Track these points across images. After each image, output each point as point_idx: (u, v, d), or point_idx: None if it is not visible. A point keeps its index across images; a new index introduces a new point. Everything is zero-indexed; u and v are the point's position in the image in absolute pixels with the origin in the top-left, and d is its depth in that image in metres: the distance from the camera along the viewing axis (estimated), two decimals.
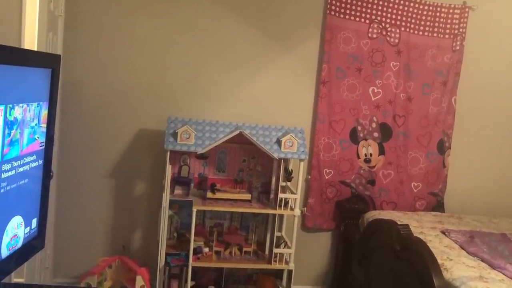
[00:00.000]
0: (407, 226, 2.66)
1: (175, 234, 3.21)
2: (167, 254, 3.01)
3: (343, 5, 3.33)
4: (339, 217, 3.49)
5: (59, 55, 1.97)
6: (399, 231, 2.62)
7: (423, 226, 3.09)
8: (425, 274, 2.29)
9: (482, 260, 2.53)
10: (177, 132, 2.89)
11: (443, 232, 2.99)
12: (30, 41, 2.29)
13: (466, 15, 3.48)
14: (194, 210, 2.91)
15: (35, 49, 2.25)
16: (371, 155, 3.52)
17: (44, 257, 2.90)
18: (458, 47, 3.50)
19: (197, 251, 3.03)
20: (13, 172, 1.55)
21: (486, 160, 3.72)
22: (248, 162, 3.22)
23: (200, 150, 2.91)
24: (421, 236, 2.75)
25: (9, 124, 1.49)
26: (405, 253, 2.54)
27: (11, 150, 1.52)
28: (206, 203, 3.00)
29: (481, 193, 3.72)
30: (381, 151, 3.52)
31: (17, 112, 1.53)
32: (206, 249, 3.09)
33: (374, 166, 3.52)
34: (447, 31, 3.48)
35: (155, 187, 3.29)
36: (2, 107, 1.44)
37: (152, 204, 3.31)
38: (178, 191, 3.14)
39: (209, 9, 3.24)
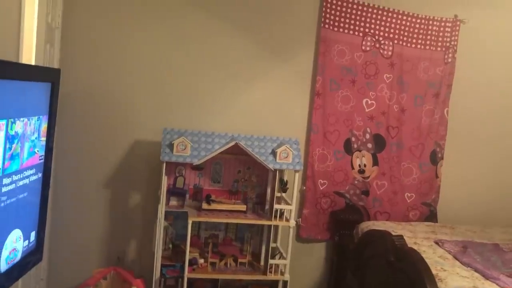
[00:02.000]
0: (401, 237, 2.69)
1: (170, 246, 3.21)
2: (162, 266, 3.01)
3: (337, 18, 3.38)
4: (334, 227, 3.51)
5: (59, 69, 1.99)
6: (394, 242, 2.65)
7: (416, 237, 3.12)
8: (420, 284, 2.32)
9: (476, 271, 2.56)
10: (173, 143, 2.90)
11: (437, 243, 3.02)
12: (28, 53, 2.30)
13: (457, 28, 3.54)
14: (190, 221, 2.91)
15: (33, 61, 2.27)
16: (365, 165, 3.55)
17: (38, 269, 2.88)
18: (450, 60, 3.56)
19: (192, 262, 3.03)
20: (13, 186, 1.56)
21: (478, 171, 3.77)
22: (243, 173, 3.24)
23: (196, 162, 2.93)
24: (415, 247, 2.78)
25: (10, 139, 1.50)
26: (400, 264, 2.56)
27: (11, 164, 1.53)
28: (202, 214, 3.00)
29: (474, 203, 3.76)
30: (375, 162, 3.55)
31: (18, 126, 1.55)
32: (201, 261, 3.09)
33: (368, 177, 3.56)
34: (439, 43, 3.54)
35: (150, 198, 3.29)
36: (4, 122, 1.45)
37: (147, 215, 3.31)
38: (173, 202, 3.14)
39: (205, 22, 3.28)
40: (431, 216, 3.64)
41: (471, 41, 3.59)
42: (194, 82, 3.31)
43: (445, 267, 2.58)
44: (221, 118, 3.35)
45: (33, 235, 1.79)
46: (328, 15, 3.37)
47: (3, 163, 1.47)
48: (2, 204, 1.50)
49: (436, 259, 2.71)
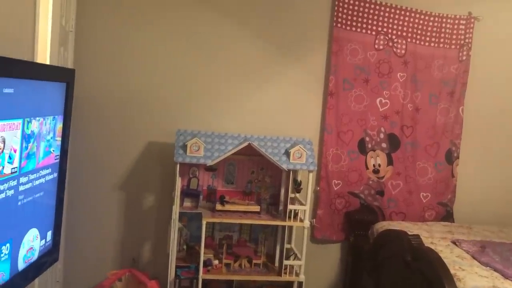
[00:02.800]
0: (418, 236, 2.66)
1: (185, 247, 3.21)
2: (177, 267, 3.01)
3: (349, 17, 3.37)
4: (349, 228, 3.48)
5: (74, 69, 2.00)
6: (410, 242, 2.62)
7: (433, 236, 3.08)
8: (438, 284, 2.28)
9: (495, 270, 2.52)
10: (187, 144, 2.91)
11: (454, 242, 2.97)
12: (43, 55, 2.32)
13: (471, 25, 3.50)
14: (204, 222, 2.91)
15: (47, 63, 2.29)
16: (379, 165, 3.52)
17: (54, 271, 2.90)
18: (464, 57, 3.52)
19: (207, 263, 3.02)
20: (29, 185, 1.57)
21: (494, 170, 3.71)
22: (257, 173, 3.23)
23: (209, 162, 2.92)
24: (432, 247, 2.73)
25: (26, 138, 1.51)
26: (417, 263, 2.53)
27: (28, 163, 1.54)
28: (216, 215, 3.00)
29: (491, 202, 3.70)
30: (390, 162, 3.52)
31: (34, 125, 1.56)
32: (216, 262, 3.08)
33: (382, 177, 3.52)
34: (453, 41, 3.50)
35: (164, 199, 3.30)
36: (20, 121, 1.46)
37: (161, 217, 3.32)
38: (187, 203, 3.14)
39: (217, 23, 3.28)
40: (447, 216, 3.59)
41: (486, 39, 3.55)
42: (207, 83, 3.32)
43: (463, 267, 2.54)
44: (234, 119, 3.35)
45: (49, 234, 1.80)
46: (340, 14, 3.35)
47: (20, 162, 1.48)
48: (20, 203, 1.51)
49: (454, 259, 2.67)
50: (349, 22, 3.37)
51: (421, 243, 2.60)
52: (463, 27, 3.50)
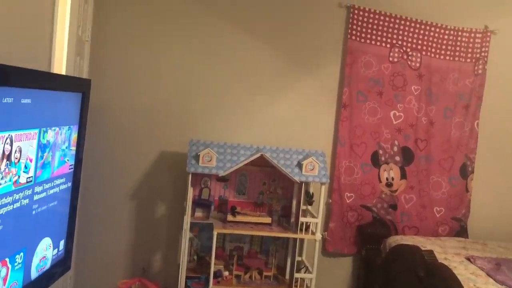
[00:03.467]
0: (431, 252, 2.62)
1: (195, 257, 3.20)
2: (187, 277, 2.99)
3: (364, 29, 3.36)
4: (361, 241, 3.45)
5: (90, 80, 2.01)
6: (424, 257, 2.59)
7: (447, 252, 3.03)
8: None
9: None
10: (199, 154, 2.91)
11: (468, 259, 2.93)
12: (59, 64, 2.34)
13: (488, 39, 3.48)
14: (215, 233, 2.90)
15: (64, 73, 2.31)
16: (392, 179, 3.49)
17: (65, 279, 2.90)
18: (480, 71, 3.49)
19: (217, 274, 3.01)
20: (44, 194, 1.58)
21: (509, 185, 3.65)
22: (268, 185, 3.22)
23: (221, 173, 2.92)
24: (445, 263, 2.69)
25: (42, 147, 1.52)
26: (430, 279, 2.49)
27: (43, 173, 1.55)
28: (227, 226, 2.99)
29: (506, 218, 3.64)
30: (403, 175, 3.49)
31: (50, 135, 1.57)
32: (226, 273, 3.06)
33: (396, 190, 3.49)
34: (469, 55, 3.48)
35: (176, 209, 3.30)
36: (37, 131, 1.47)
37: (172, 226, 3.31)
38: (198, 213, 3.13)
39: (232, 35, 3.30)
40: (461, 231, 3.54)
41: (502, 52, 3.52)
42: (220, 94, 3.33)
43: (478, 284, 2.50)
44: (247, 130, 3.35)
45: (62, 243, 1.80)
46: (355, 27, 3.35)
47: (35, 171, 1.49)
48: (34, 212, 1.51)
49: (468, 276, 2.62)
50: (363, 35, 3.36)
51: (435, 259, 2.56)
52: (479, 40, 3.48)
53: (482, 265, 2.81)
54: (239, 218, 3.06)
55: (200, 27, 3.27)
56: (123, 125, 3.25)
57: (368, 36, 3.37)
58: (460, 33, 3.46)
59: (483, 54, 3.48)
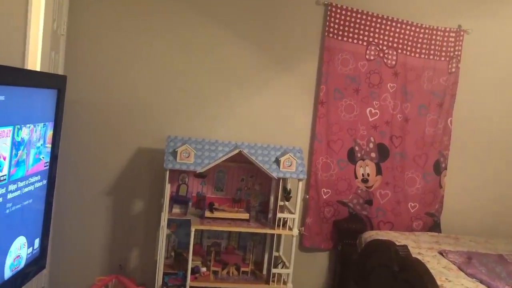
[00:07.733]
0: (405, 247, 2.67)
1: (173, 254, 3.19)
2: (164, 274, 2.99)
3: (341, 27, 3.39)
4: (337, 237, 3.50)
5: (65, 76, 1.99)
6: (398, 252, 2.63)
7: (420, 247, 3.10)
8: None
9: (481, 282, 2.54)
10: (177, 151, 2.90)
11: (441, 253, 3.00)
12: (33, 59, 2.30)
13: (461, 38, 3.55)
14: (193, 229, 2.89)
15: (38, 68, 2.27)
16: (368, 175, 3.54)
17: (40, 277, 2.86)
18: (454, 69, 3.56)
19: (194, 270, 3.01)
20: (18, 192, 1.55)
21: (481, 181, 3.75)
22: (246, 181, 3.23)
23: (199, 169, 2.92)
24: (419, 257, 2.75)
25: (16, 145, 1.49)
26: (404, 274, 2.54)
27: (17, 171, 1.52)
28: (204, 222, 2.99)
29: (477, 213, 3.75)
30: (378, 171, 3.54)
31: (24, 132, 1.54)
32: (204, 269, 3.07)
33: (371, 186, 3.54)
34: (443, 53, 3.55)
35: (153, 205, 3.28)
36: (11, 128, 1.44)
37: (149, 223, 3.30)
38: (176, 210, 3.12)
39: (209, 30, 3.28)
40: (434, 226, 3.62)
41: (475, 51, 3.60)
42: (198, 90, 3.31)
43: (449, 278, 2.56)
44: (225, 126, 3.35)
45: (37, 242, 1.78)
46: (332, 24, 3.38)
47: (9, 169, 1.46)
48: (8, 211, 1.49)
49: (441, 270, 2.69)
50: (340, 32, 3.39)
51: (409, 254, 2.61)
52: (452, 39, 3.55)
53: (454, 259, 2.88)
54: (217, 214, 3.06)
55: (178, 22, 3.25)
56: (100, 120, 3.21)
57: (345, 33, 3.41)
58: (435, 32, 3.52)
59: (456, 53, 3.56)
